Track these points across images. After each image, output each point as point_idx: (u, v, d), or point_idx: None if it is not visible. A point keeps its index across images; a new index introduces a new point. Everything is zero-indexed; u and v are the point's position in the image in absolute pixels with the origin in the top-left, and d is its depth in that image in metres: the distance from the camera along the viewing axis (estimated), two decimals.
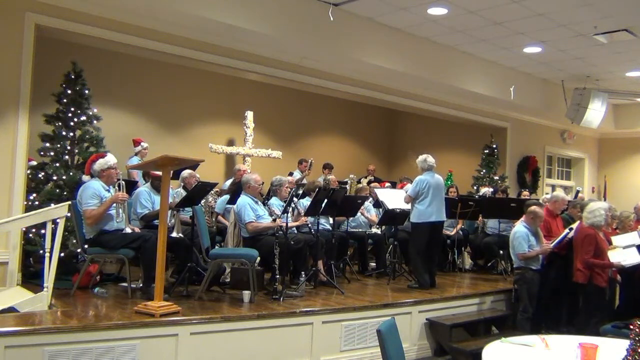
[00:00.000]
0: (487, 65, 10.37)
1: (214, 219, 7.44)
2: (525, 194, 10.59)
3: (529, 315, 6.46)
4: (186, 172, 7.27)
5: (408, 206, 7.31)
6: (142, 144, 8.72)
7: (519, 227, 6.65)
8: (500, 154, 12.21)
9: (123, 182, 5.98)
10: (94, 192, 5.65)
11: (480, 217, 9.08)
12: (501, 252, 8.69)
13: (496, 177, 11.84)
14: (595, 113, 11.19)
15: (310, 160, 10.33)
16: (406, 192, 7.94)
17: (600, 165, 14.90)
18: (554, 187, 13.90)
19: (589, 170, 14.78)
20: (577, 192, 11.82)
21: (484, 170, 11.91)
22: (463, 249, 9.17)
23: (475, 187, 11.71)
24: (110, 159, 5.85)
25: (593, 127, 11.81)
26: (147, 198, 6.26)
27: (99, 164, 5.79)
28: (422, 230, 6.98)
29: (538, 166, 13.03)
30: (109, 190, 5.81)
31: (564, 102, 11.53)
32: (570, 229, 6.71)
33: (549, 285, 6.74)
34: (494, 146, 12.07)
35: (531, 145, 13.01)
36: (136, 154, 8.70)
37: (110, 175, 5.82)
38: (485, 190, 10.30)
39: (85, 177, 6.01)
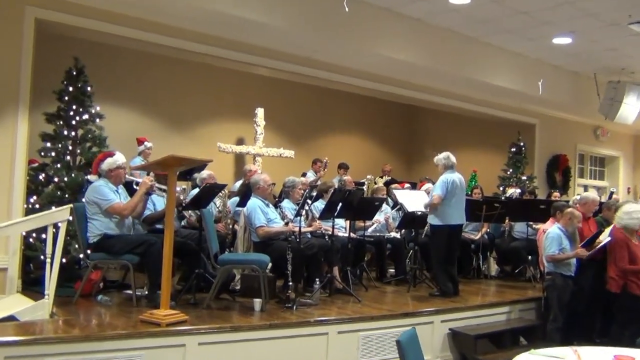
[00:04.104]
0: (513, 58, 10.31)
1: (230, 226, 7.44)
2: (556, 195, 10.51)
3: (559, 325, 6.41)
4: (205, 173, 7.31)
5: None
6: (145, 143, 8.76)
7: (553, 228, 6.60)
8: (528, 153, 12.13)
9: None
10: (107, 189, 5.72)
11: (507, 220, 9.02)
12: (530, 257, 8.62)
13: (524, 177, 11.76)
14: (631, 108, 11.07)
15: (325, 160, 10.34)
16: (427, 192, 7.91)
17: (636, 164, 14.74)
18: (586, 188, 13.78)
19: (624, 170, 14.63)
20: (611, 193, 11.71)
21: (511, 170, 11.84)
22: (488, 254, 9.12)
23: (501, 188, 11.65)
24: (118, 158, 5.90)
25: (628, 123, 11.69)
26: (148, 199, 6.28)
27: (107, 164, 5.84)
28: (443, 233, 6.96)
29: (569, 165, 12.93)
30: (117, 191, 5.85)
31: (596, 97, 11.42)
32: (601, 232, 6.65)
33: (581, 293, 6.68)
34: (522, 144, 11.99)
35: (561, 143, 12.91)
36: (139, 154, 8.75)
37: (119, 176, 5.87)
38: (512, 192, 10.23)
39: (92, 177, 6.06)
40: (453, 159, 7.15)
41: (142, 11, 6.97)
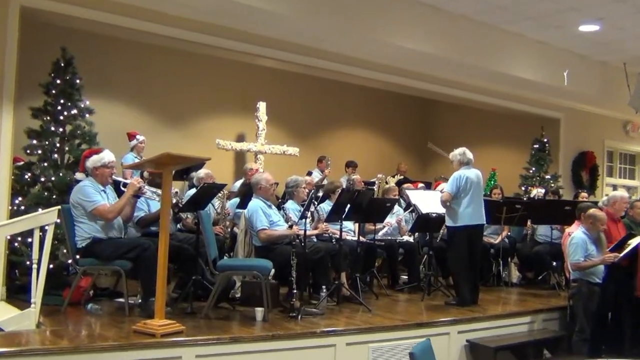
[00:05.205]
0: (536, 47, 10.27)
1: (229, 229, 7.45)
2: (583, 195, 10.45)
3: (586, 336, 6.38)
4: (202, 172, 7.32)
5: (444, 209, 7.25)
6: (137, 137, 8.76)
7: (577, 233, 6.56)
8: (553, 150, 12.08)
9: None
10: (93, 189, 5.72)
11: (529, 223, 8.98)
12: (554, 263, 8.59)
13: (548, 176, 11.71)
14: None
15: (326, 159, 10.40)
16: (442, 191, 7.89)
17: None
18: (615, 187, 13.70)
19: None
20: None
21: (534, 169, 11.79)
22: (509, 259, 9.08)
23: (523, 188, 11.61)
24: (105, 156, 5.89)
25: None
26: (141, 200, 6.29)
27: (92, 161, 5.84)
28: (462, 236, 6.94)
29: (596, 163, 12.86)
30: (104, 191, 5.86)
31: (626, 89, 11.34)
32: (631, 235, 6.60)
33: (609, 302, 6.65)
34: (545, 140, 11.95)
35: (588, 139, 12.85)
36: (132, 150, 8.75)
37: (104, 175, 5.86)
38: (535, 192, 10.19)
39: (79, 175, 6.08)
40: (469, 154, 7.14)
41: None
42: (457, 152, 7.17)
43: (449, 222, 7.04)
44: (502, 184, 10.46)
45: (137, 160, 8.28)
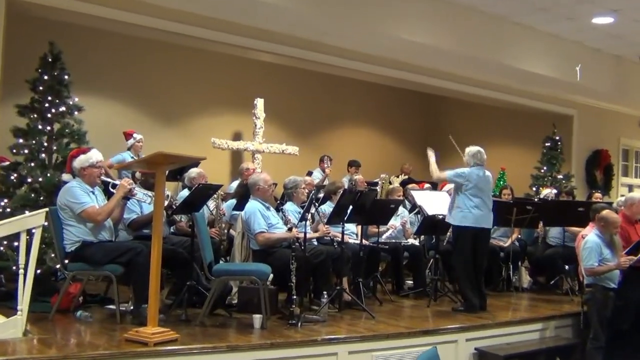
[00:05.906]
0: (548, 40, 10.27)
1: (225, 230, 7.45)
2: (597, 196, 10.45)
3: (601, 344, 6.38)
4: (194, 172, 7.31)
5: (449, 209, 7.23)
6: (134, 135, 8.76)
7: (591, 236, 6.55)
8: (565, 148, 12.10)
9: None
10: (81, 190, 5.72)
11: (541, 225, 8.98)
12: (567, 267, 8.59)
13: (560, 176, 11.72)
14: None
15: (326, 158, 10.39)
16: (449, 194, 7.89)
17: None
18: (631, 188, 13.70)
19: None
20: None
21: (545, 168, 11.80)
22: (520, 263, 9.07)
23: (534, 189, 11.61)
24: (93, 156, 5.90)
25: None
26: (133, 201, 6.30)
27: (79, 161, 5.85)
28: (467, 236, 6.95)
29: (611, 162, 12.89)
30: (93, 192, 5.86)
31: None
32: None
33: (626, 308, 6.64)
34: (557, 138, 11.96)
35: (603, 137, 12.86)
36: (129, 149, 8.75)
37: (92, 175, 5.86)
38: (547, 192, 10.18)
39: (65, 176, 6.07)
40: (484, 155, 7.13)
41: None
42: (471, 152, 7.13)
43: (454, 221, 7.03)
44: (512, 184, 10.44)
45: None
